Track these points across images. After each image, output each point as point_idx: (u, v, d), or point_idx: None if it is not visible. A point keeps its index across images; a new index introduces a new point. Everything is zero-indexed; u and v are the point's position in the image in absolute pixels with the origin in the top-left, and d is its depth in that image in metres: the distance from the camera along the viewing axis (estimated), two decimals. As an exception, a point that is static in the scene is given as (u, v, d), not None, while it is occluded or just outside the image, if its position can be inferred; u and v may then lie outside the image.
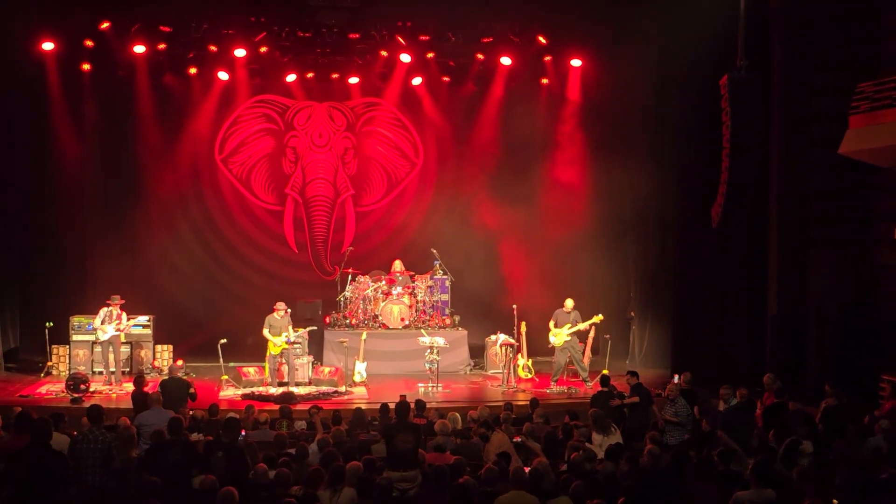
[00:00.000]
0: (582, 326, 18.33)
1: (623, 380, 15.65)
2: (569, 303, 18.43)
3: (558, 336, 18.29)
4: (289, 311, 18.33)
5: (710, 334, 19.03)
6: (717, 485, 9.71)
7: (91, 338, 18.96)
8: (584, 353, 19.23)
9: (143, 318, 19.24)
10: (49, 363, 19.05)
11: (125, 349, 18.95)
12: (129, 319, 18.43)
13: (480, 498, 9.29)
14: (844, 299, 17.86)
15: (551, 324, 18.45)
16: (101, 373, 18.69)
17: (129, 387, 17.76)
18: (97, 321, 18.26)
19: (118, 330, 18.23)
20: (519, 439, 12.32)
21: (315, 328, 19.48)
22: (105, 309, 18.30)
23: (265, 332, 17.97)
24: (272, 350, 18.01)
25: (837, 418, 12.52)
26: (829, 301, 17.90)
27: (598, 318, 18.46)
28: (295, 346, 18.30)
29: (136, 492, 9.27)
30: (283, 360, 18.11)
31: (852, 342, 17.60)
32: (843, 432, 11.74)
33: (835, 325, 17.84)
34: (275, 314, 18.05)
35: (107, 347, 18.32)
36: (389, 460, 10.90)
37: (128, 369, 18.90)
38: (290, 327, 18.09)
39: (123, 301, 18.39)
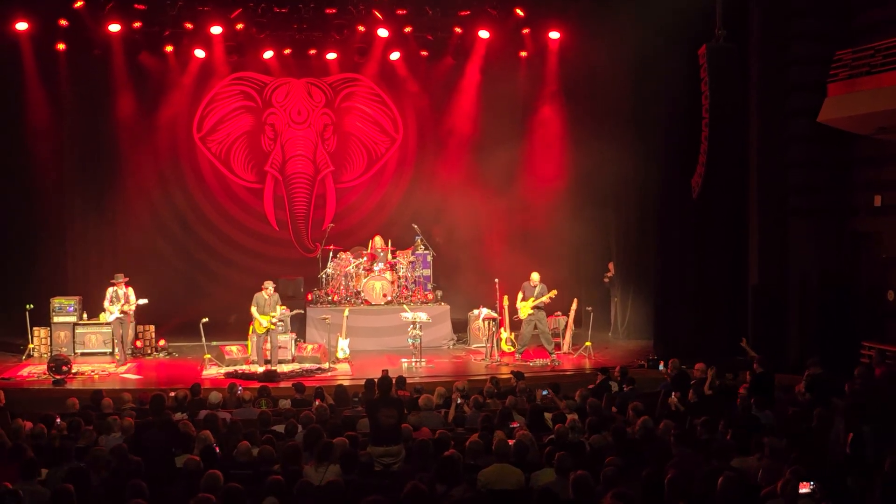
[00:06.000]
0: (544, 299, 18.34)
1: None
2: (535, 276, 18.50)
3: (523, 309, 18.41)
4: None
5: (691, 304, 19.05)
6: (700, 453, 9.74)
7: (72, 319, 19.02)
8: (566, 326, 19.39)
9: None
10: (30, 345, 18.96)
11: (107, 329, 18.96)
12: (135, 297, 18.47)
13: (465, 471, 9.29)
14: (824, 268, 17.93)
15: (518, 296, 18.54)
16: (112, 353, 18.81)
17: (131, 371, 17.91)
18: (105, 303, 18.28)
19: (123, 312, 18.22)
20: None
21: (302, 312, 19.51)
22: (111, 289, 18.32)
23: (253, 309, 17.99)
24: (257, 329, 18.01)
25: (822, 387, 12.58)
26: (810, 270, 17.96)
27: (553, 293, 18.43)
28: (278, 323, 18.29)
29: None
30: (268, 338, 18.09)
31: (832, 311, 17.70)
32: (827, 401, 11.78)
33: (815, 293, 17.91)
34: (263, 293, 18.08)
35: (117, 327, 18.35)
36: (373, 435, 10.89)
37: (111, 350, 18.90)
38: (279, 306, 18.14)
39: (128, 279, 18.42)
